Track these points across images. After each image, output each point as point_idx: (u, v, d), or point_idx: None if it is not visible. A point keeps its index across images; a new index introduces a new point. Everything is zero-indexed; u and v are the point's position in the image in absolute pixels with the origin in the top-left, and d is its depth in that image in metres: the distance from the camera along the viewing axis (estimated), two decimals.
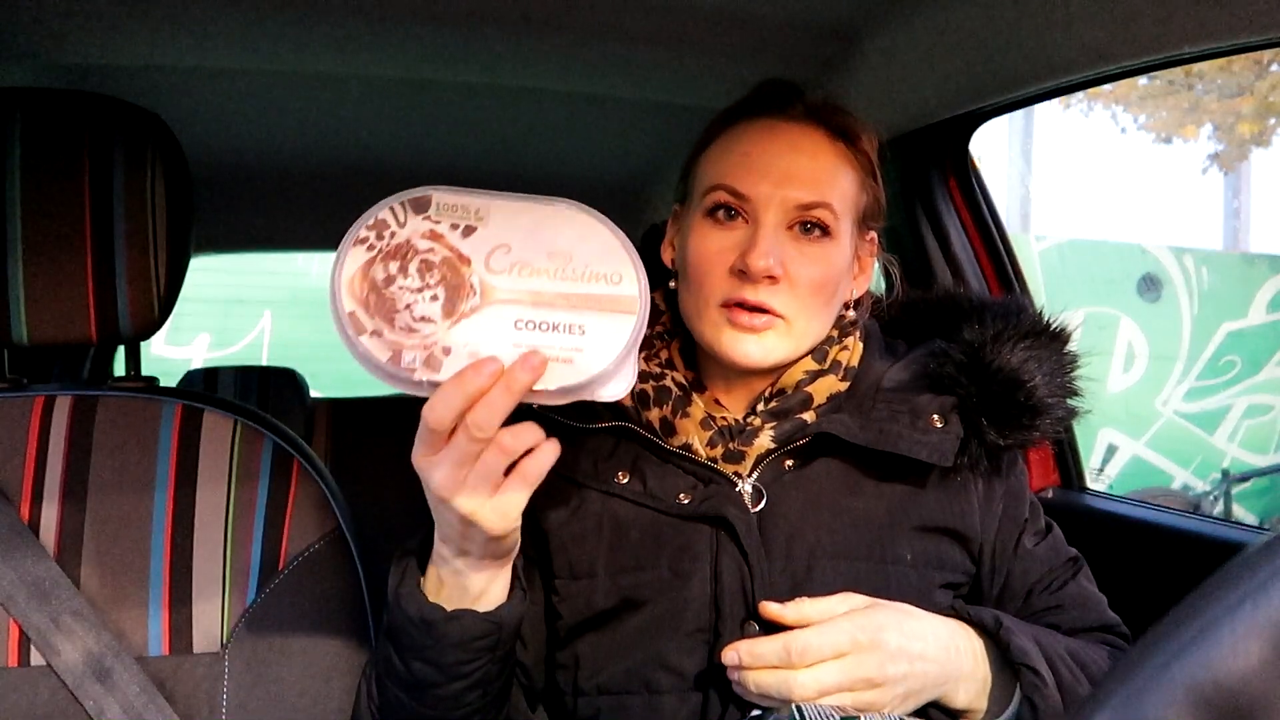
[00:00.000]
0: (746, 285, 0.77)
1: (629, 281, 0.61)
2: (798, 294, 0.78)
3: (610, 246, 0.61)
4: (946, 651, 0.74)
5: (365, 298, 0.59)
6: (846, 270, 0.83)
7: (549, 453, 0.62)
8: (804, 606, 0.74)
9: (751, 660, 0.71)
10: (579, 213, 0.62)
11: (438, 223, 0.60)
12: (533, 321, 0.60)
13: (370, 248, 0.59)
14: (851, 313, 0.87)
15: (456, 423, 0.58)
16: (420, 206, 0.60)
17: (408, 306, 0.59)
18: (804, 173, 0.79)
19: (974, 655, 0.76)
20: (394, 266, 0.59)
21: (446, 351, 0.59)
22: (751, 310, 0.77)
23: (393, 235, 0.59)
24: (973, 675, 0.76)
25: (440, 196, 0.60)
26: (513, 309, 0.60)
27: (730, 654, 0.72)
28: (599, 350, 0.60)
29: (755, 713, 0.71)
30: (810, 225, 0.79)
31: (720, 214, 0.80)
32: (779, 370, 0.83)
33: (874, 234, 0.88)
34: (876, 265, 0.92)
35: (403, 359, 0.58)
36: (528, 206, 0.61)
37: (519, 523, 0.65)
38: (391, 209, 0.60)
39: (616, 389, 0.62)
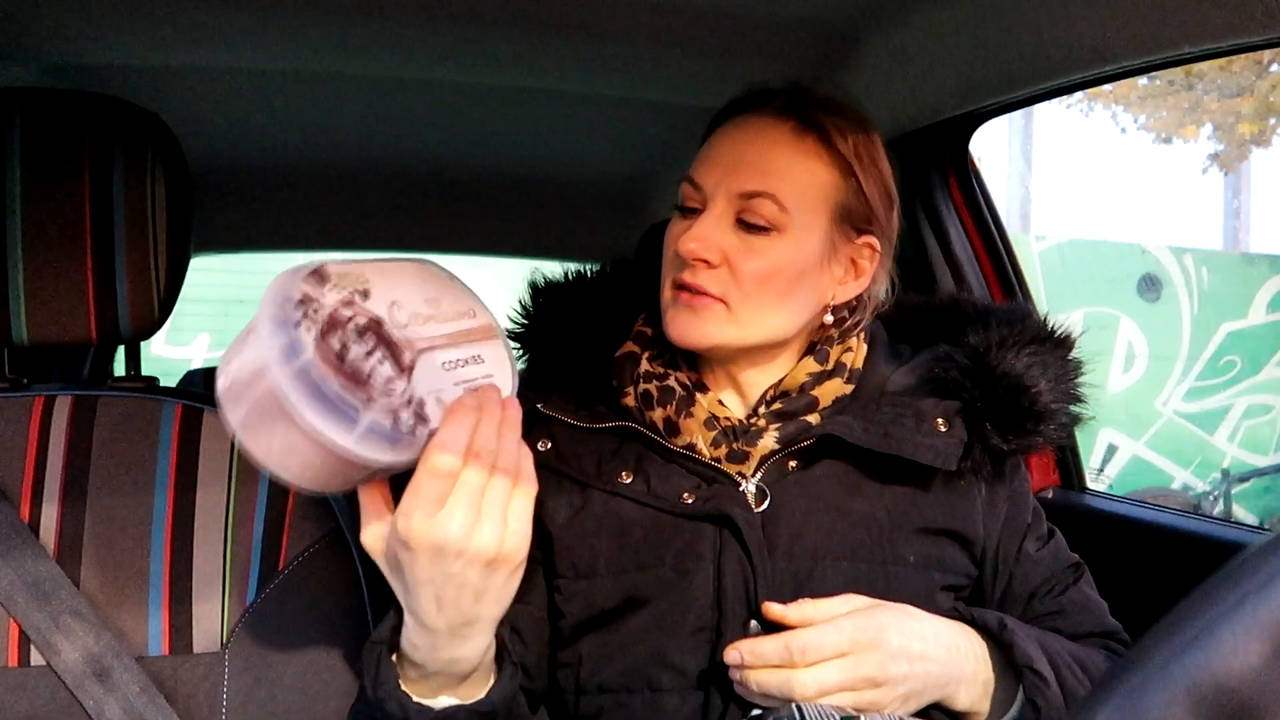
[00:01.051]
0: (686, 268, 0.80)
1: (482, 310, 0.67)
2: (741, 284, 0.79)
3: (451, 288, 0.67)
4: (949, 652, 0.74)
5: (340, 373, 0.56)
6: (812, 268, 0.81)
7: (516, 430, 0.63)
8: (807, 608, 0.74)
9: (753, 659, 0.71)
10: (422, 265, 0.66)
11: (343, 290, 0.59)
12: (453, 360, 0.63)
13: (310, 326, 0.56)
14: (829, 317, 0.84)
15: (466, 456, 0.58)
16: (322, 279, 0.59)
17: (371, 373, 0.58)
18: (751, 161, 0.79)
19: (976, 657, 0.76)
20: (336, 339, 0.57)
21: (421, 404, 0.60)
22: (693, 294, 0.79)
23: (318, 309, 0.57)
24: (975, 677, 0.76)
25: (331, 267, 0.60)
26: (437, 354, 0.62)
27: (732, 653, 0.72)
28: (499, 370, 0.66)
29: (756, 712, 0.71)
30: (754, 218, 0.78)
31: (683, 207, 0.83)
32: (747, 357, 0.84)
33: (870, 239, 0.84)
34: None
35: (401, 422, 0.58)
36: (394, 266, 0.64)
37: (530, 535, 0.63)
38: (304, 283, 0.58)
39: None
